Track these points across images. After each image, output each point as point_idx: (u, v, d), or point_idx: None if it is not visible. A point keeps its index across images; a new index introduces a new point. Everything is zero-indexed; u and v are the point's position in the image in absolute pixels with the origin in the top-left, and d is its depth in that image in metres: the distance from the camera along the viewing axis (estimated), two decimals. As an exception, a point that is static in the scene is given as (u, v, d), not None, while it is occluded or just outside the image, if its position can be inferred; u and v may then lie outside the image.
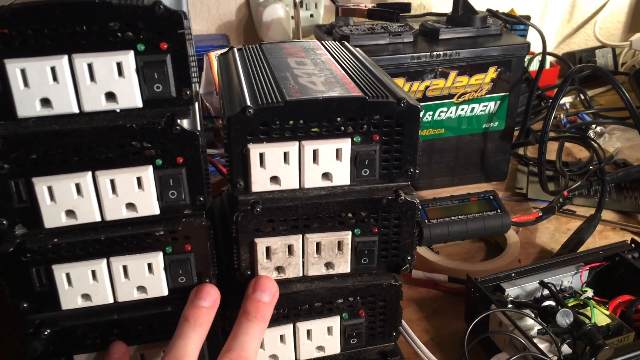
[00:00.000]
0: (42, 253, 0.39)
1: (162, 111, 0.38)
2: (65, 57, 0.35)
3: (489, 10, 0.90)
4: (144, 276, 0.41)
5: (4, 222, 0.38)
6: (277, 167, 0.40)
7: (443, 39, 0.80)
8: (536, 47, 0.98)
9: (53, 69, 0.35)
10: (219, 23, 1.06)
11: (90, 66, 0.35)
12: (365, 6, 0.84)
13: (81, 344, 0.42)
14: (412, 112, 0.41)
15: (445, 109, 0.80)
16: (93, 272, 0.40)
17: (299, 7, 0.98)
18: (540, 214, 0.73)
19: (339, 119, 0.40)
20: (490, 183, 0.87)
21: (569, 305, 0.52)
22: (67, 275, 0.40)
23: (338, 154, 0.41)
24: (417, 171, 0.43)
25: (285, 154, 0.40)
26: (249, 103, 0.39)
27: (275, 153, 0.40)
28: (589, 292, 0.55)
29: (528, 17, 1.11)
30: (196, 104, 0.42)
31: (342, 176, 0.42)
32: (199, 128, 0.39)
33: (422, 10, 1.13)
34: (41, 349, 0.41)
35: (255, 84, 0.43)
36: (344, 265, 0.44)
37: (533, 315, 0.51)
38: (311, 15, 1.05)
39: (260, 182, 0.41)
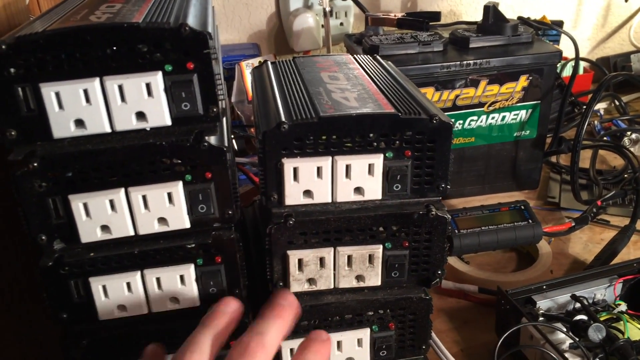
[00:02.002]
0: (80, 266, 0.40)
1: (191, 128, 0.39)
2: (97, 80, 0.36)
3: (520, 18, 0.90)
4: (177, 287, 0.42)
5: (43, 237, 0.39)
6: (310, 181, 0.41)
7: (473, 47, 0.79)
8: (569, 52, 0.97)
9: (85, 91, 0.36)
10: (250, 32, 1.08)
11: (120, 87, 0.37)
12: (395, 15, 0.84)
13: (118, 353, 0.43)
14: (444, 128, 0.41)
15: (475, 117, 0.80)
16: (128, 284, 0.41)
17: (328, 16, 0.98)
18: (573, 224, 0.72)
19: (371, 135, 0.41)
20: (521, 192, 0.86)
21: (602, 319, 0.52)
22: (104, 287, 0.41)
23: (370, 169, 0.41)
24: (448, 186, 0.43)
25: (319, 169, 0.41)
26: (283, 119, 0.40)
27: (309, 168, 0.41)
28: (623, 306, 0.54)
29: (561, 23, 1.10)
30: (224, 119, 0.43)
31: (374, 191, 0.42)
32: (226, 144, 0.40)
33: (452, 18, 1.13)
34: (79, 358, 0.42)
35: (289, 99, 0.43)
36: (374, 278, 0.45)
37: (565, 330, 0.50)
38: (341, 24, 1.06)
39: (293, 195, 0.42)
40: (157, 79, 0.37)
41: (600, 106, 1.07)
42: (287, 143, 0.40)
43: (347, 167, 0.41)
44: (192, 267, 0.42)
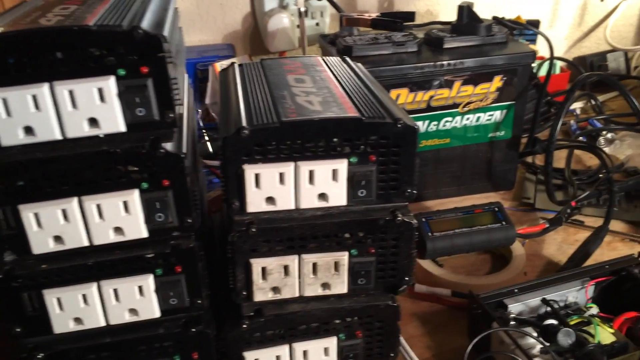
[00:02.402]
0: (33, 278, 0.39)
1: (146, 134, 0.38)
2: (47, 85, 0.35)
3: (494, 18, 0.89)
4: (135, 299, 0.41)
5: (-8, 249, 0.38)
6: (273, 187, 0.40)
7: (447, 48, 0.78)
8: (546, 52, 0.96)
9: (34, 97, 0.35)
10: (225, 33, 1.06)
11: (71, 93, 0.35)
12: (369, 16, 0.83)
13: (74, 367, 0.42)
14: (409, 132, 0.40)
15: (450, 118, 0.79)
16: (84, 296, 0.40)
17: (303, 16, 0.97)
18: (547, 226, 0.71)
19: (335, 140, 0.40)
20: (497, 192, 0.85)
21: (573, 322, 0.51)
22: (58, 299, 0.40)
23: (334, 174, 0.40)
24: (415, 192, 0.42)
25: (281, 175, 0.40)
26: (244, 123, 0.39)
27: (271, 173, 0.40)
28: (594, 309, 0.54)
29: (537, 22, 1.10)
30: (184, 125, 0.42)
31: (338, 196, 0.41)
32: (184, 150, 0.38)
33: (429, 18, 1.12)
34: (36, 372, 0.41)
35: (252, 103, 0.42)
36: (340, 286, 0.44)
37: (535, 334, 0.50)
38: (317, 24, 1.05)
39: (255, 202, 0.41)
40: (109, 84, 0.36)
41: (577, 105, 1.07)
42: (248, 148, 0.39)
43: (311, 173, 0.41)
44: (150, 277, 0.41)
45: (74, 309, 0.40)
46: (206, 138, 0.89)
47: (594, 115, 1.03)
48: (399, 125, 0.40)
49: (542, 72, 1.08)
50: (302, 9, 0.97)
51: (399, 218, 0.42)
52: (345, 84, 0.47)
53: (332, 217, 0.42)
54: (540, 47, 1.07)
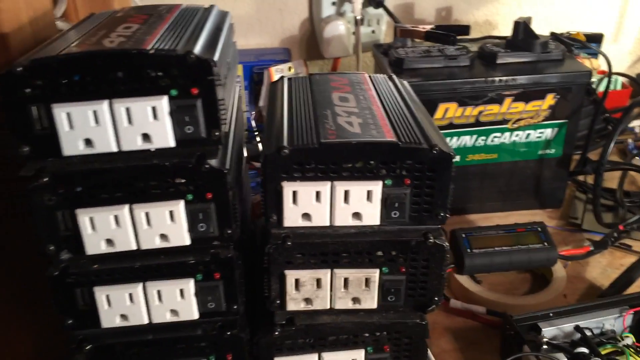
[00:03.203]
0: (85, 276, 0.42)
1: (193, 150, 0.40)
2: (106, 102, 0.38)
3: (552, 34, 0.88)
4: (177, 300, 0.44)
5: (52, 247, 0.41)
6: (309, 204, 0.42)
7: (501, 63, 0.78)
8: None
9: (95, 113, 0.38)
10: (283, 37, 1.09)
11: (128, 110, 0.38)
12: (423, 28, 0.84)
13: (119, 360, 0.46)
14: (445, 159, 0.41)
15: (499, 134, 0.79)
16: (130, 295, 0.43)
17: (359, 24, 0.98)
18: (591, 249, 0.71)
19: (371, 162, 0.42)
20: (544, 210, 0.84)
21: (605, 352, 0.51)
22: (107, 296, 0.43)
23: (369, 195, 0.42)
24: (448, 215, 0.43)
25: (318, 193, 0.42)
26: (285, 143, 0.41)
27: (308, 192, 0.42)
28: (629, 339, 0.53)
29: (601, 36, 1.07)
30: (230, 140, 0.45)
31: (372, 216, 0.43)
32: (227, 166, 0.41)
33: (488, 28, 1.11)
34: (83, 362, 0.45)
35: (295, 121, 0.44)
36: (370, 301, 0.45)
37: (564, 361, 0.50)
38: (372, 32, 1.06)
39: (292, 217, 0.43)
40: (162, 103, 0.38)
41: (637, 123, 1.04)
42: (287, 167, 0.41)
43: (346, 193, 0.42)
44: (191, 281, 0.44)
45: (120, 306, 0.43)
46: (258, 140, 0.92)
47: (653, 135, 1.00)
48: (435, 152, 0.41)
49: (602, 88, 1.05)
50: (359, 17, 0.98)
51: (430, 240, 0.43)
52: (388, 105, 0.49)
53: (365, 236, 0.44)
54: (603, 62, 1.05)
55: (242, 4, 1.04)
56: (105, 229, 0.41)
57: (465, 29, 0.84)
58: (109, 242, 0.42)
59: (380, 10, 1.02)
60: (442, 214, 0.44)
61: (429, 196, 0.43)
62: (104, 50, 0.38)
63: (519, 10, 1.10)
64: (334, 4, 1.02)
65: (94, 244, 0.41)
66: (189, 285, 0.44)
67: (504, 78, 0.75)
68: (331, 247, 0.44)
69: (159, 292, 0.44)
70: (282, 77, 0.57)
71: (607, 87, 0.86)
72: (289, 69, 1.02)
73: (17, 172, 0.39)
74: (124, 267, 0.42)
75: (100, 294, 0.43)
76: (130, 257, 0.42)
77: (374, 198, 0.42)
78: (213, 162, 0.40)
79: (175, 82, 0.38)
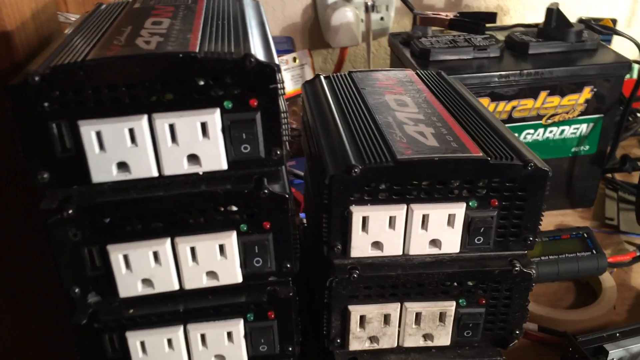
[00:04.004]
0: (116, 321, 0.36)
1: (249, 173, 0.34)
2: (145, 118, 0.31)
3: (582, 21, 0.83)
4: (223, 345, 0.38)
5: (77, 290, 0.34)
6: (381, 231, 0.36)
7: (533, 54, 0.73)
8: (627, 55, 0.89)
9: (131, 131, 0.31)
10: (284, 25, 1.02)
11: (172, 127, 0.31)
12: (447, 15, 0.78)
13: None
14: (540, 176, 0.36)
15: (532, 130, 0.73)
16: (169, 341, 0.37)
17: (370, 10, 0.92)
18: (638, 254, 0.66)
19: (454, 181, 0.35)
20: (575, 210, 0.80)
21: (688, 378, 0.46)
22: (142, 343, 0.36)
23: (450, 219, 0.36)
24: (537, 240, 0.38)
25: (391, 219, 0.36)
26: (353, 161, 0.34)
27: (381, 217, 0.36)
28: None
29: (615, 21, 1.03)
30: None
31: (452, 243, 0.37)
32: (287, 190, 0.34)
33: (500, 14, 1.06)
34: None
35: (356, 134, 0.38)
36: (444, 338, 0.40)
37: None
38: (381, 19, 0.99)
39: (360, 247, 0.37)
40: (214, 118, 0.32)
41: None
42: (357, 189, 0.35)
43: (424, 217, 0.36)
44: (241, 322, 0.37)
45: (157, 354, 0.37)
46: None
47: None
48: (530, 168, 0.35)
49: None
50: (370, 3, 0.91)
51: (517, 268, 0.38)
52: (454, 109, 0.42)
53: (442, 266, 0.38)
54: (617, 50, 1.00)
55: (241, -11, 0.96)
56: (142, 267, 0.34)
57: (492, 17, 0.77)
58: (147, 282, 0.35)
59: (391, -4, 0.96)
60: (531, 239, 0.38)
61: (518, 218, 0.37)
62: (144, 55, 0.30)
63: (532, -5, 1.05)
64: (340, -11, 0.95)
65: (129, 286, 0.34)
66: (239, 326, 0.37)
67: (540, 70, 0.70)
68: (403, 279, 0.38)
69: (202, 336, 0.37)
70: (318, 76, 0.50)
71: (639, 76, 0.81)
72: (294, 59, 0.95)
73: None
74: (164, 311, 0.35)
75: (134, 340, 0.36)
76: (171, 299, 0.36)
77: (456, 222, 0.36)
78: (275, 186, 0.33)
79: (229, 92, 0.31)
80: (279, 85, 0.32)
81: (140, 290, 0.35)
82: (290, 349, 0.39)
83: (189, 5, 0.41)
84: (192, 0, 0.43)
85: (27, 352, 0.48)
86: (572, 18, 0.78)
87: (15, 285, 0.45)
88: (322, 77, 0.50)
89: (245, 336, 0.38)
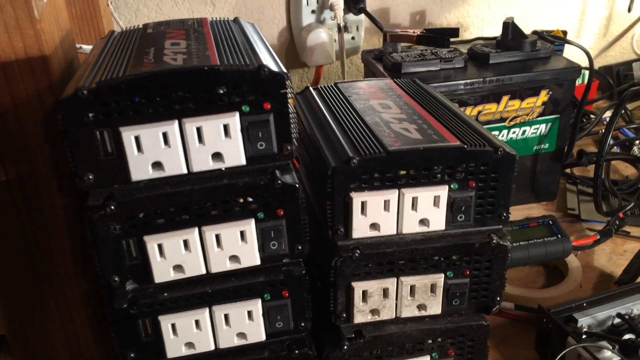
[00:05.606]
0: (150, 305, 0.40)
1: (264, 167, 0.39)
2: (176, 122, 0.36)
3: (535, 33, 0.91)
4: (245, 323, 0.43)
5: (116, 279, 0.39)
6: (378, 214, 0.42)
7: (493, 63, 0.80)
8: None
9: (165, 134, 0.36)
10: (260, 48, 1.08)
11: (199, 129, 0.37)
12: (415, 32, 0.85)
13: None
14: (509, 159, 0.42)
15: (497, 132, 0.81)
16: (197, 322, 0.42)
17: (343, 31, 0.99)
18: (598, 237, 0.73)
19: (436, 168, 0.41)
20: (540, 203, 0.87)
21: (646, 336, 0.53)
22: (173, 325, 0.41)
23: (436, 201, 0.42)
24: (509, 215, 0.44)
25: (386, 202, 0.41)
26: (351, 154, 0.40)
27: (377, 201, 0.41)
28: (663, 322, 0.56)
29: (565, 33, 1.12)
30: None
31: (438, 221, 0.43)
32: (297, 180, 0.40)
33: (461, 30, 1.14)
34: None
35: (350, 132, 0.44)
36: (435, 307, 0.45)
37: (612, 348, 0.51)
38: (352, 38, 1.06)
39: (360, 229, 0.42)
40: (235, 120, 0.37)
41: (607, 115, 1.09)
42: (355, 177, 0.41)
43: (414, 200, 0.42)
44: (259, 302, 0.42)
45: (187, 334, 0.42)
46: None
47: (625, 125, 1.05)
48: (500, 153, 0.42)
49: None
50: (342, 24, 0.98)
51: (494, 241, 0.44)
52: (431, 108, 0.49)
53: (431, 242, 0.44)
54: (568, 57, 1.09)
55: (219, 15, 1.02)
56: (174, 254, 0.39)
57: (455, 32, 0.85)
58: (178, 268, 0.40)
59: (360, 17, 1.03)
60: (504, 214, 0.44)
61: (492, 197, 0.43)
62: (175, 69, 0.36)
63: (489, 11, 1.13)
64: (313, 12, 1.02)
65: (163, 272, 0.39)
66: (257, 306, 0.42)
67: (500, 77, 0.77)
68: (398, 256, 0.43)
69: (226, 316, 0.42)
70: (307, 87, 0.56)
71: (590, 80, 0.90)
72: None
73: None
74: (194, 293, 0.40)
75: (166, 323, 0.41)
76: (199, 282, 0.41)
77: (441, 203, 0.42)
78: (287, 177, 0.39)
79: (246, 98, 0.37)
80: (288, 90, 0.37)
81: (172, 275, 0.40)
82: (303, 324, 0.44)
83: (197, 28, 0.47)
84: (198, 24, 0.48)
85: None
86: (527, 30, 0.86)
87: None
88: (311, 88, 0.56)
89: (264, 314, 0.43)
